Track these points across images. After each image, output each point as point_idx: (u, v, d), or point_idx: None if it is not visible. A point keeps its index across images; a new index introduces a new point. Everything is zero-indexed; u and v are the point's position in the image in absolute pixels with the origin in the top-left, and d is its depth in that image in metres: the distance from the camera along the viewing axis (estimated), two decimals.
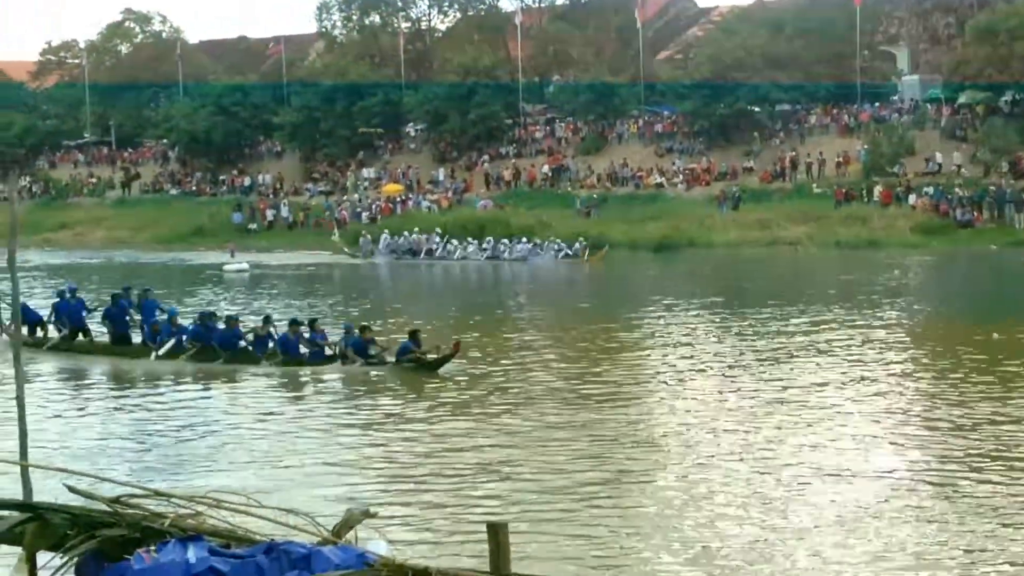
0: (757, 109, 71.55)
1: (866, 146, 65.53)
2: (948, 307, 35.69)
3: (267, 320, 27.30)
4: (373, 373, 24.23)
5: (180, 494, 9.09)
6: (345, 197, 74.19)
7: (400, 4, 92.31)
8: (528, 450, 17.15)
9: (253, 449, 17.85)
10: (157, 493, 9.10)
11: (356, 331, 25.29)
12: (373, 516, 9.11)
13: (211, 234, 70.01)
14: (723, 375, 23.31)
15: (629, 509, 14.11)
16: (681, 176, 69.45)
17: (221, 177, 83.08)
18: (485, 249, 57.99)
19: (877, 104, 71.64)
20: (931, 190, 59.53)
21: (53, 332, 28.94)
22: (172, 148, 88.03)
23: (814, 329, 28.90)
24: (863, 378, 22.03)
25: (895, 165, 63.43)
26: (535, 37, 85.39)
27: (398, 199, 71.88)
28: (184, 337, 26.52)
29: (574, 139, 77.24)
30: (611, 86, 76.29)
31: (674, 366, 24.48)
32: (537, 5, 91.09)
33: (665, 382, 22.87)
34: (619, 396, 21.10)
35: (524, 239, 57.24)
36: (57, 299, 29.78)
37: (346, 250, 61.42)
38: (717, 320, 32.10)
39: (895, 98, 73.59)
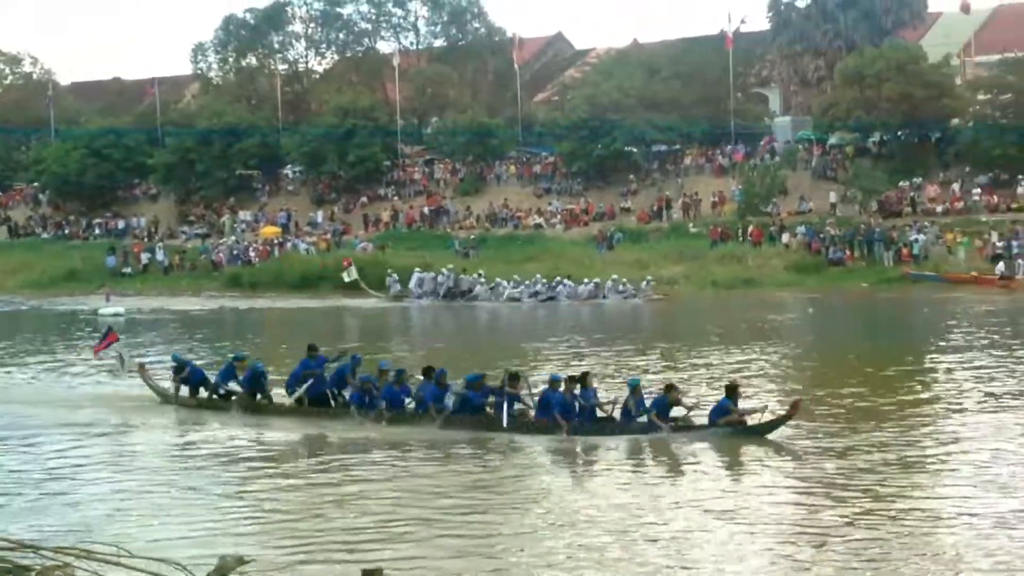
0: (634, 150, 72.40)
1: (740, 186, 66.63)
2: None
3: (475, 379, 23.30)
4: (681, 441, 20.71)
5: (48, 546, 8.82)
6: (222, 240, 73.25)
7: (277, 46, 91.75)
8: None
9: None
10: (23, 545, 8.83)
11: (657, 390, 22.15)
12: (247, 563, 8.94)
13: (84, 279, 68.45)
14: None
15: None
16: (559, 216, 69.94)
17: (94, 220, 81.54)
18: (538, 291, 55.81)
19: (758, 144, 72.79)
20: (803, 229, 60.68)
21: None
22: (43, 191, 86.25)
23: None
24: None
25: (768, 205, 64.61)
26: (413, 79, 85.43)
27: (275, 241, 71.23)
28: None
29: (452, 180, 77.34)
30: (489, 127, 76.59)
31: None
32: (415, 47, 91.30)
33: None
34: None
35: (585, 280, 55.72)
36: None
37: (370, 291, 58.11)
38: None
39: (767, 139, 74.95)
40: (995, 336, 35.76)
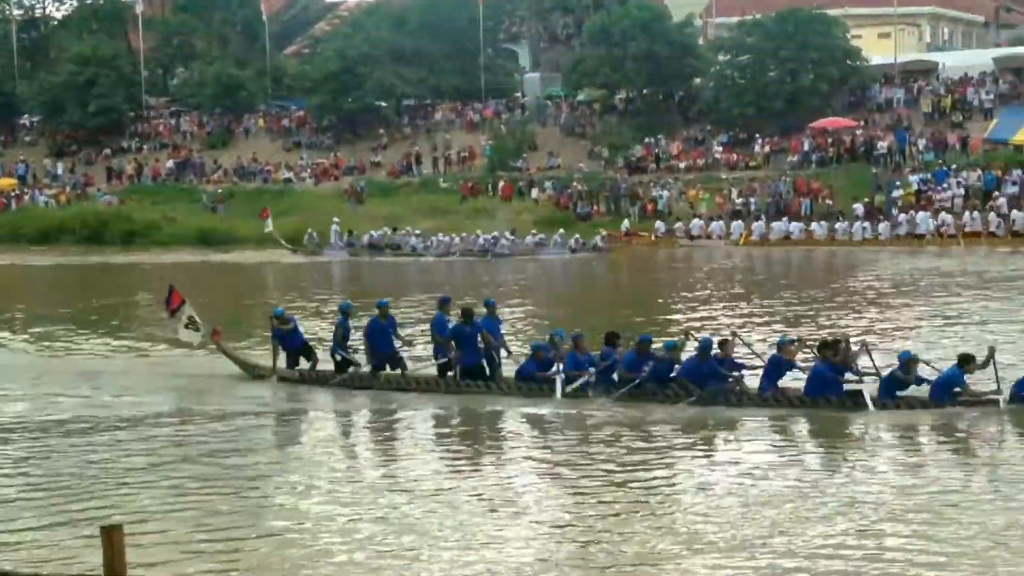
0: (384, 104, 72.03)
1: (490, 141, 67.14)
2: None
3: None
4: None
5: None
6: None
7: None
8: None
9: None
10: None
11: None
12: None
13: None
14: None
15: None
16: (309, 170, 69.12)
17: None
18: (472, 246, 53.20)
19: (500, 100, 73.37)
20: (552, 184, 61.55)
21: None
22: None
23: None
24: None
25: (518, 160, 65.31)
26: (158, 28, 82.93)
27: (12, 194, 68.26)
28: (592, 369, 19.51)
29: (200, 133, 75.54)
30: (237, 80, 75.00)
31: None
32: None
33: None
34: None
35: (533, 232, 54.12)
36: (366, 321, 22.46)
37: (285, 244, 55.35)
38: None
39: (517, 95, 75.66)
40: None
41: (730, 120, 64.17)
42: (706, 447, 16.73)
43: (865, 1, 77.61)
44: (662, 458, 15.82)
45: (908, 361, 18.22)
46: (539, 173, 63.99)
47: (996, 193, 51.88)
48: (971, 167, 54.58)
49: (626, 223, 56.38)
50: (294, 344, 21.90)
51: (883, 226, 51.94)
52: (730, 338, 19.69)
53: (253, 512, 13.60)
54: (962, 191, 52.65)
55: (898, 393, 18.24)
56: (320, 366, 21.86)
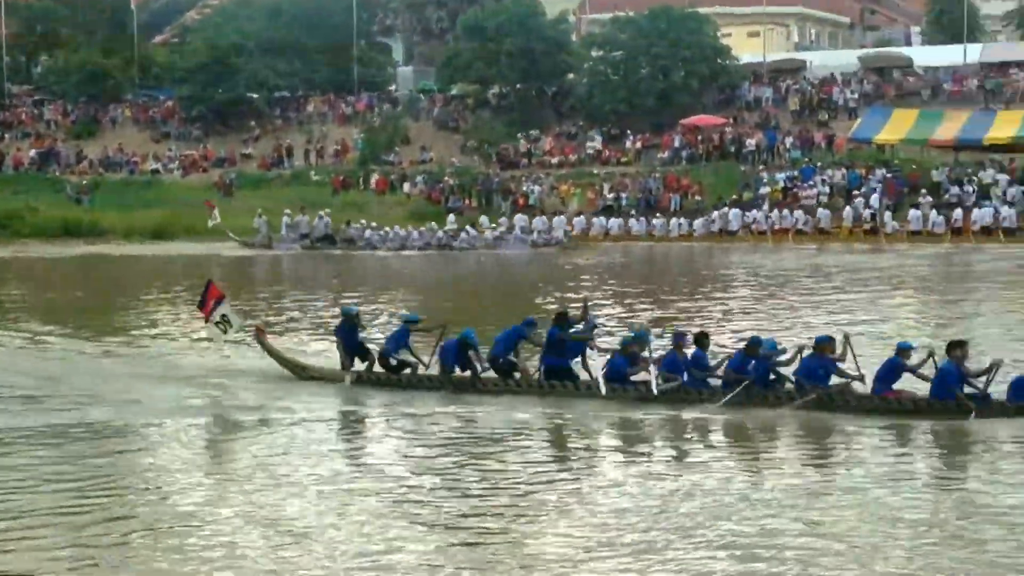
0: (255, 96, 71.19)
1: (363, 135, 66.74)
2: None
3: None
4: None
5: None
6: None
7: None
8: None
9: None
10: None
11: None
12: None
13: None
14: None
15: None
16: (177, 162, 67.99)
17: None
18: (430, 240, 51.15)
19: (373, 94, 72.96)
20: (423, 178, 61.34)
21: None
22: None
23: None
24: None
25: (390, 154, 65.03)
26: (21, 14, 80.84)
27: None
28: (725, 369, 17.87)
29: (64, 122, 73.80)
30: (104, 68, 73.47)
31: None
32: None
33: None
34: None
35: (495, 224, 52.52)
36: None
37: (235, 237, 52.92)
38: None
39: (390, 88, 75.31)
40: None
41: (602, 116, 64.54)
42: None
43: (735, 0, 78.75)
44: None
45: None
46: (411, 167, 63.76)
47: (855, 192, 52.77)
48: (836, 165, 55.55)
49: None
50: (352, 344, 20.26)
51: (698, 222, 52.75)
52: (841, 339, 17.65)
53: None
54: (827, 189, 53.54)
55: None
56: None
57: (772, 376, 17.59)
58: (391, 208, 58.45)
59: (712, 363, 18.10)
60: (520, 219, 54.06)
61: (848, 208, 51.40)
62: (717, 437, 16.30)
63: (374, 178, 62.14)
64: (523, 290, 36.24)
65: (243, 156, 68.12)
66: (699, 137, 60.83)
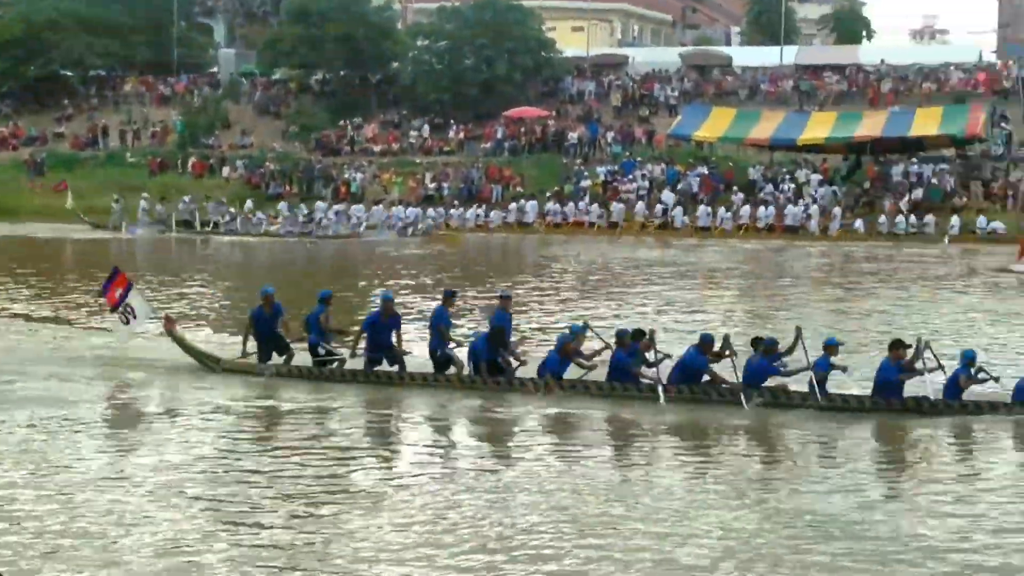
0: (70, 73, 69.22)
1: (182, 117, 65.40)
2: None
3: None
4: None
5: None
6: None
7: None
8: None
9: None
10: None
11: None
12: None
13: None
14: None
15: None
16: None
17: None
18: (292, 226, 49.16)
19: (193, 75, 71.61)
20: (243, 163, 60.39)
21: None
22: None
23: None
24: None
25: (210, 137, 63.87)
26: None
27: None
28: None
29: None
30: None
31: None
32: None
33: None
34: None
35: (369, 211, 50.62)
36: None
37: (84, 219, 50.20)
38: None
39: (212, 70, 73.99)
40: None
41: (426, 105, 64.38)
42: None
43: None
44: None
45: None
46: (231, 151, 62.69)
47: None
48: (655, 160, 56.33)
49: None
50: (268, 331, 19.18)
51: (494, 213, 52.71)
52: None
53: None
54: (647, 183, 54.22)
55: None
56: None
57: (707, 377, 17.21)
58: (210, 192, 57.26)
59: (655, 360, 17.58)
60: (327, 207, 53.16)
61: (640, 204, 52.10)
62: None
63: (192, 161, 60.93)
64: (347, 276, 35.90)
65: (55, 135, 66.16)
66: (522, 129, 61.06)
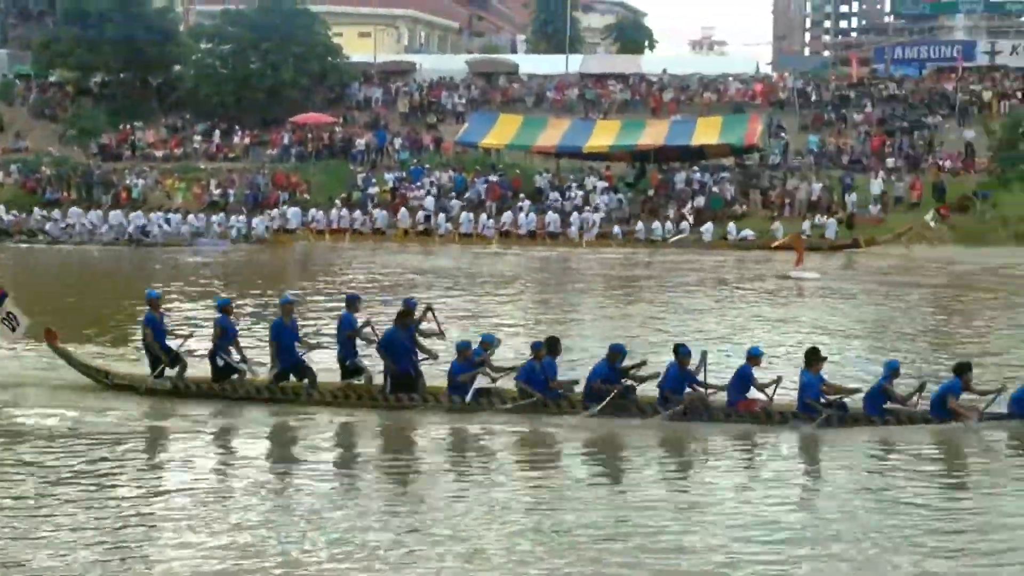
0: None
1: None
2: None
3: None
4: None
5: None
6: None
7: None
8: None
9: None
10: None
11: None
12: None
13: None
14: None
15: None
16: None
17: None
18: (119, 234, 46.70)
19: None
20: (18, 167, 58.33)
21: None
22: None
23: None
24: None
25: None
26: None
27: None
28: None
29: None
30: None
31: None
32: None
33: None
34: None
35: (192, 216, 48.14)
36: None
37: None
38: None
39: None
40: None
41: (210, 110, 63.25)
42: None
43: (347, 0, 79.02)
44: None
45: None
46: (5, 155, 60.48)
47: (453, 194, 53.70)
48: (443, 167, 56.44)
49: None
50: (162, 341, 18.23)
51: (256, 220, 51.31)
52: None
53: None
54: (435, 190, 54.26)
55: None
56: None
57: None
58: None
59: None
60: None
61: (403, 210, 52.05)
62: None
63: None
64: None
65: None
66: (309, 135, 60.46)
